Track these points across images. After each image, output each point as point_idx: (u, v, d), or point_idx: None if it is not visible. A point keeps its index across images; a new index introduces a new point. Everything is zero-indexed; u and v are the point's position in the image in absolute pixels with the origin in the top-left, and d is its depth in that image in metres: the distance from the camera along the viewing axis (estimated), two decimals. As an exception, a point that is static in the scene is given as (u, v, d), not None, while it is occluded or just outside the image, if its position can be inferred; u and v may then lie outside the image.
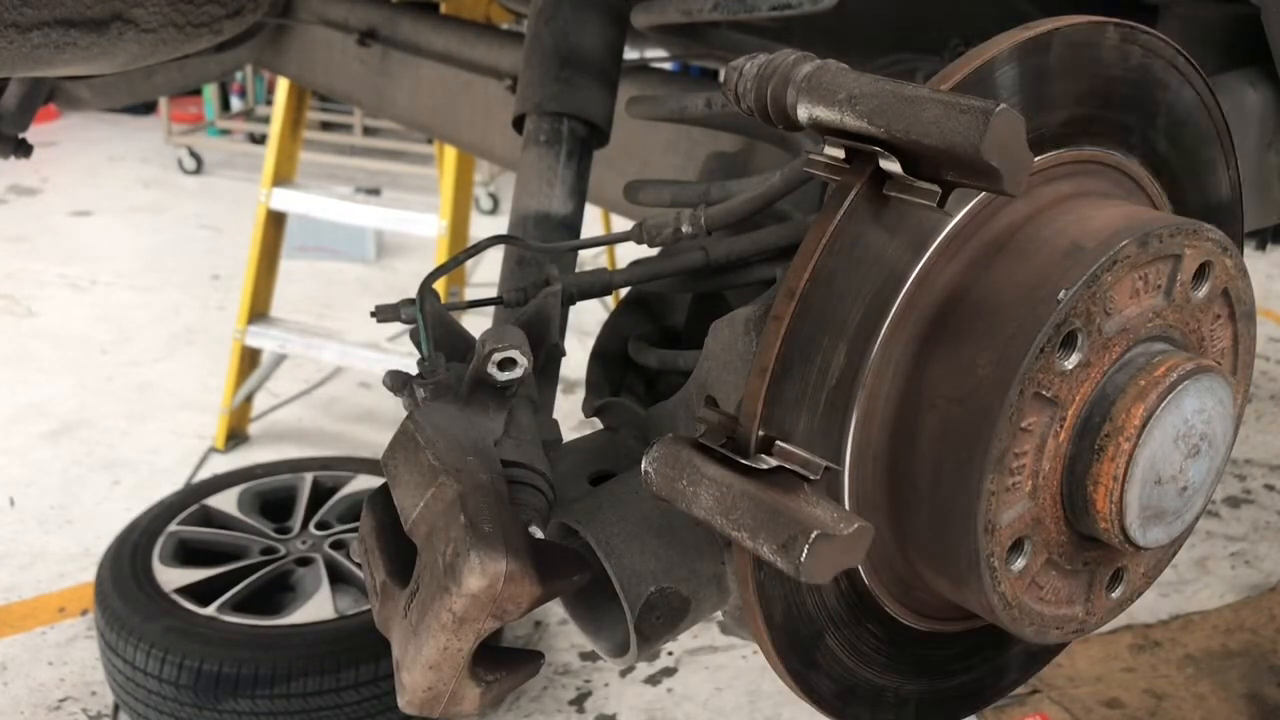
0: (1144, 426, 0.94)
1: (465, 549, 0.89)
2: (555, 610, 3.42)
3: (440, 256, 4.26)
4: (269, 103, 8.37)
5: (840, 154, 0.90)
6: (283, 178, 4.35)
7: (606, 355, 1.36)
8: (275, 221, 4.44)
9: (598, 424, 1.24)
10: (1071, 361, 0.93)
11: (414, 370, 1.08)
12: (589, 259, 5.64)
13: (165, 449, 4.52)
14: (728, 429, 0.91)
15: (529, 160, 1.40)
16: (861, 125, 0.84)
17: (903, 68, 1.75)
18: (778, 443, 0.88)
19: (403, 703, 0.97)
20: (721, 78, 0.97)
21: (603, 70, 1.45)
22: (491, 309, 1.27)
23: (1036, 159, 0.96)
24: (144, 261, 6.66)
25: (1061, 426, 0.94)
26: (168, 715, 2.77)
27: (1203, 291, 1.02)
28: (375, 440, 4.56)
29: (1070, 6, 1.04)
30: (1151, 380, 0.95)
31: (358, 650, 2.78)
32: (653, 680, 3.31)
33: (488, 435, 1.02)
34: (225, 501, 3.41)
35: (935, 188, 0.85)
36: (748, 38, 1.67)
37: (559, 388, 1.22)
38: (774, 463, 0.86)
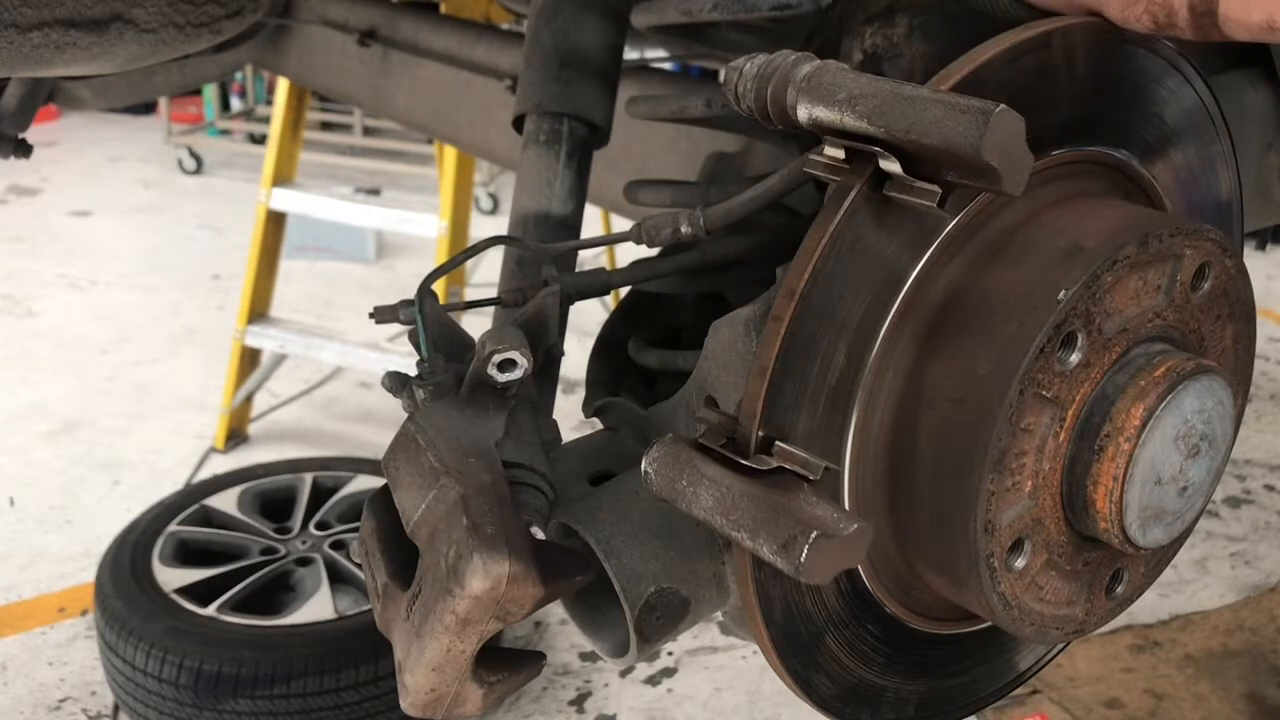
0: (1144, 427, 0.94)
1: (468, 551, 0.89)
2: (555, 610, 3.42)
3: (440, 257, 4.26)
4: (269, 103, 8.37)
5: (840, 154, 0.90)
6: (283, 178, 4.35)
7: (606, 355, 1.36)
8: (275, 221, 4.44)
9: (598, 424, 1.24)
10: (1071, 362, 0.93)
11: (413, 371, 1.08)
12: (589, 259, 5.64)
13: (165, 449, 4.52)
14: (727, 429, 0.91)
15: (529, 160, 1.40)
16: (861, 125, 0.85)
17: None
18: (777, 443, 0.88)
19: (405, 704, 0.97)
20: (721, 78, 0.98)
21: (603, 70, 1.45)
22: (491, 309, 1.27)
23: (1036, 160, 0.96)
24: (144, 261, 6.65)
25: (1061, 427, 0.95)
26: (168, 715, 2.77)
27: (1203, 292, 1.02)
28: (375, 440, 4.56)
29: (1070, 7, 1.04)
30: (1151, 380, 0.95)
31: (358, 650, 2.78)
32: (653, 680, 3.31)
33: (488, 436, 1.02)
34: (225, 502, 3.40)
35: (935, 188, 0.85)
36: (747, 38, 1.67)
37: (559, 388, 1.22)
38: (774, 463, 0.87)
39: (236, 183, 8.30)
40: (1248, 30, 0.90)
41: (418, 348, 1.09)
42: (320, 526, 3.33)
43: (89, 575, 3.31)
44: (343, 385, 5.13)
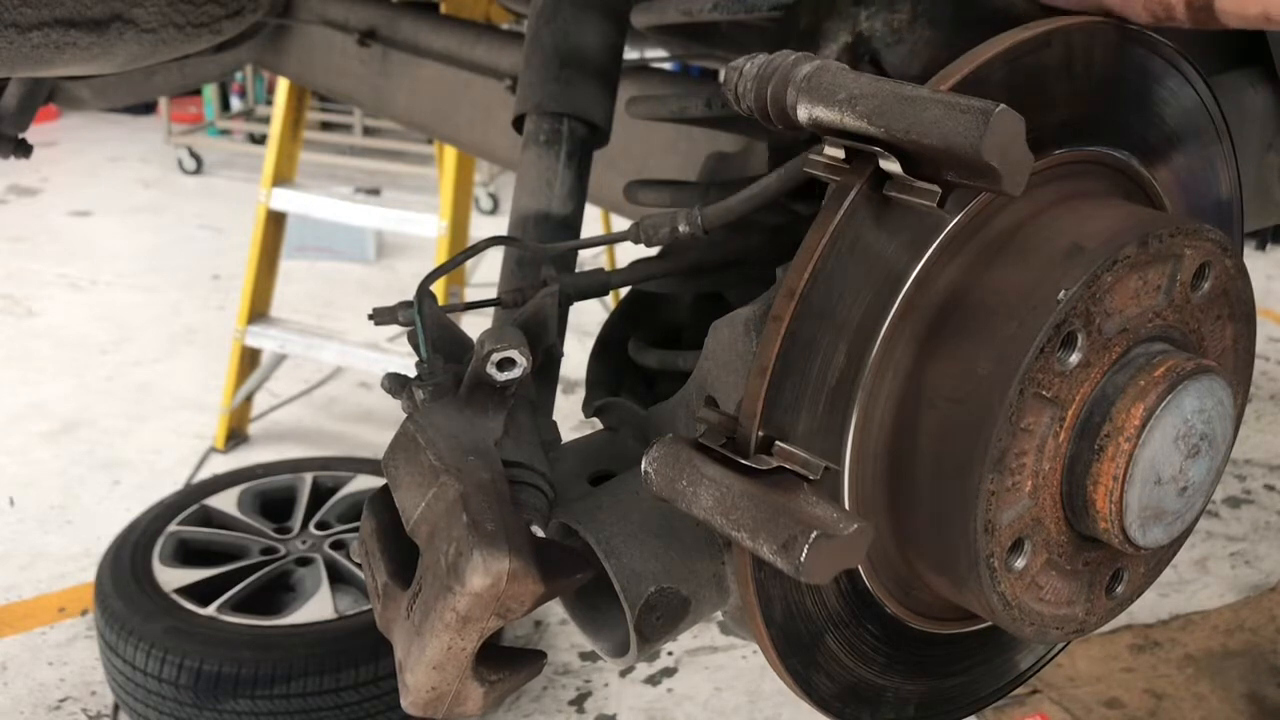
0: (1144, 426, 0.94)
1: (468, 548, 0.89)
2: (555, 610, 3.42)
3: (440, 257, 4.26)
4: (269, 103, 8.37)
5: (840, 154, 0.90)
6: (283, 178, 4.35)
7: (606, 355, 1.36)
8: (275, 221, 4.44)
9: (598, 424, 1.24)
10: (1071, 361, 0.93)
11: (413, 372, 1.08)
12: (589, 259, 5.64)
13: (165, 449, 4.52)
14: (727, 429, 0.91)
15: (529, 160, 1.39)
16: (861, 125, 0.85)
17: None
18: (777, 443, 0.88)
19: (406, 703, 0.97)
20: (721, 78, 0.98)
21: (603, 70, 1.45)
22: (491, 310, 1.27)
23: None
24: (144, 261, 6.65)
25: (1061, 426, 0.95)
26: (168, 715, 2.77)
27: (1203, 292, 1.02)
28: (375, 440, 4.56)
29: (1070, 7, 1.04)
30: (1151, 380, 0.95)
31: (358, 650, 2.78)
32: (653, 680, 3.31)
33: (488, 435, 1.02)
34: (225, 501, 3.40)
35: (935, 188, 0.85)
36: (747, 37, 1.67)
37: (559, 388, 1.22)
38: (774, 463, 0.87)
39: (236, 183, 8.30)
40: (1245, 20, 0.92)
41: (417, 349, 1.09)
42: (320, 526, 3.33)
43: (89, 575, 3.31)
44: (343, 385, 5.13)
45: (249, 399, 4.61)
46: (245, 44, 2.57)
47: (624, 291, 1.38)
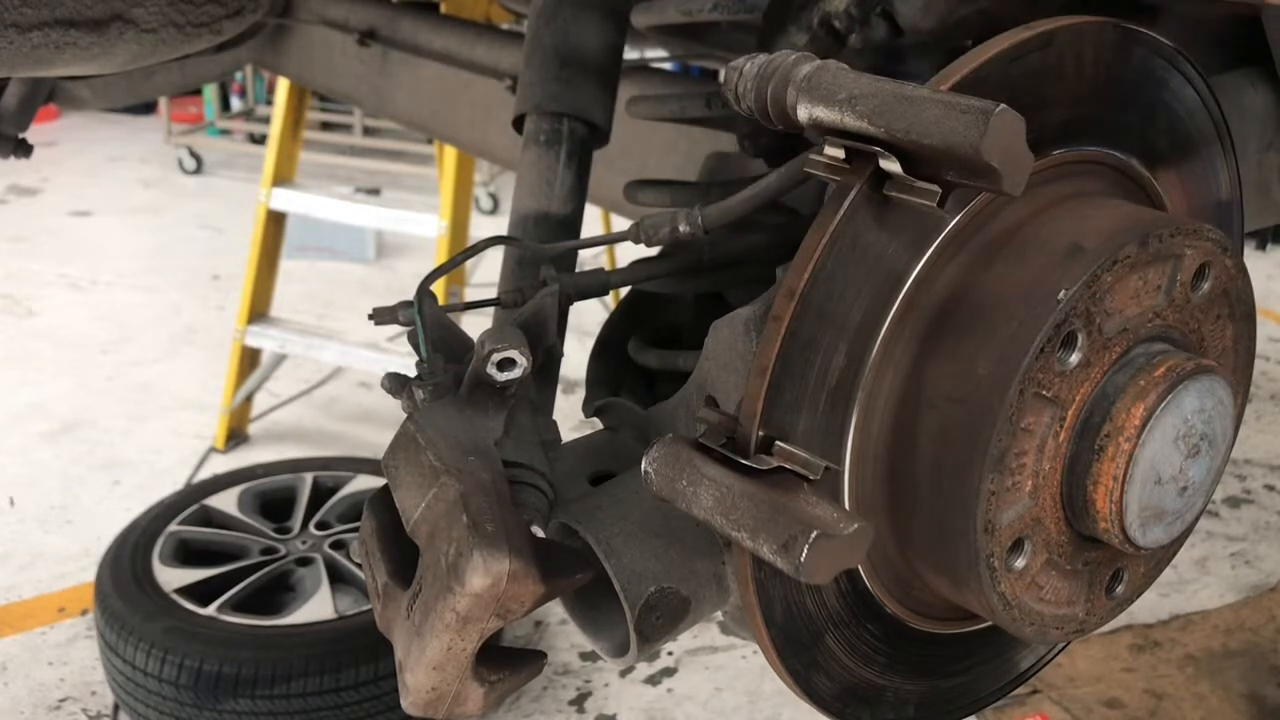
0: (1144, 426, 0.94)
1: (468, 548, 0.89)
2: (555, 610, 3.42)
3: (440, 257, 4.26)
4: (269, 103, 8.37)
5: (840, 154, 0.90)
6: (283, 178, 4.35)
7: (607, 355, 1.36)
8: (275, 221, 4.44)
9: (598, 424, 1.24)
10: (1072, 361, 0.93)
11: (413, 372, 1.08)
12: (589, 259, 5.64)
13: (165, 449, 4.52)
14: (728, 429, 0.91)
15: (529, 160, 1.40)
16: (861, 125, 0.85)
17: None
18: (777, 443, 0.88)
19: (406, 704, 0.97)
20: (721, 78, 0.98)
21: (603, 70, 1.45)
22: (491, 310, 1.27)
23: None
24: (144, 261, 6.65)
25: (1061, 426, 0.95)
26: (168, 715, 2.77)
27: (1203, 291, 1.02)
28: (375, 440, 4.56)
29: (1072, 7, 1.04)
30: (1151, 380, 0.95)
31: (358, 650, 2.78)
32: (653, 680, 3.31)
33: (488, 436, 1.02)
34: (225, 501, 3.40)
35: (935, 188, 0.85)
36: (748, 37, 1.67)
37: (559, 388, 1.22)
38: (774, 463, 0.87)
39: (236, 183, 8.30)
40: None
41: (417, 349, 1.09)
42: (320, 526, 3.33)
43: (89, 575, 3.31)
44: (343, 385, 5.13)
45: (249, 399, 4.61)
46: (245, 44, 2.57)
47: (624, 291, 1.38)
